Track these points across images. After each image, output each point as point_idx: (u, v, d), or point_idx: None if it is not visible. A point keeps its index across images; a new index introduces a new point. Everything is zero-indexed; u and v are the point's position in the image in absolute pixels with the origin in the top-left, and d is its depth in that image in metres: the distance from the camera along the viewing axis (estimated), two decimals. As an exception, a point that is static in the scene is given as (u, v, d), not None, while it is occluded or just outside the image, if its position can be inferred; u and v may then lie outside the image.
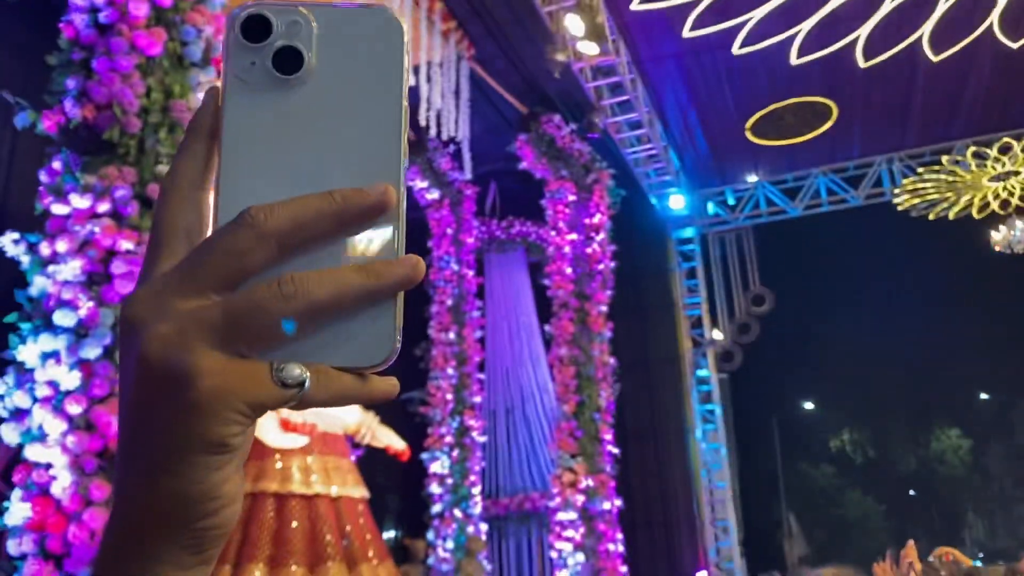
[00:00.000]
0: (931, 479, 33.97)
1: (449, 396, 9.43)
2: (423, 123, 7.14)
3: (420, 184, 9.51)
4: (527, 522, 10.77)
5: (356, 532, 6.71)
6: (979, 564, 13.36)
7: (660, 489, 11.71)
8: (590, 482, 8.66)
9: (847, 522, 31.48)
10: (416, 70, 7.12)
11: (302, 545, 6.39)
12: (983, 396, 35.38)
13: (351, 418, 7.30)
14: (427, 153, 9.30)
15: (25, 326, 2.73)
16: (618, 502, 9.07)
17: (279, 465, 6.51)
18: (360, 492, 7.03)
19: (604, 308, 9.27)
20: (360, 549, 6.69)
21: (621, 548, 9.07)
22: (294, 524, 6.44)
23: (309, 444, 6.53)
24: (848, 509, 31.91)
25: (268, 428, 5.98)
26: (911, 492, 35.00)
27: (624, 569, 9.30)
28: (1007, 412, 34.94)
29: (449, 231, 9.88)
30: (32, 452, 2.62)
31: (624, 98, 8.88)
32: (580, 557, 8.81)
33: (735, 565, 11.78)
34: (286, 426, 5.97)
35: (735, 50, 8.55)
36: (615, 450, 9.09)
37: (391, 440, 7.38)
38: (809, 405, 33.49)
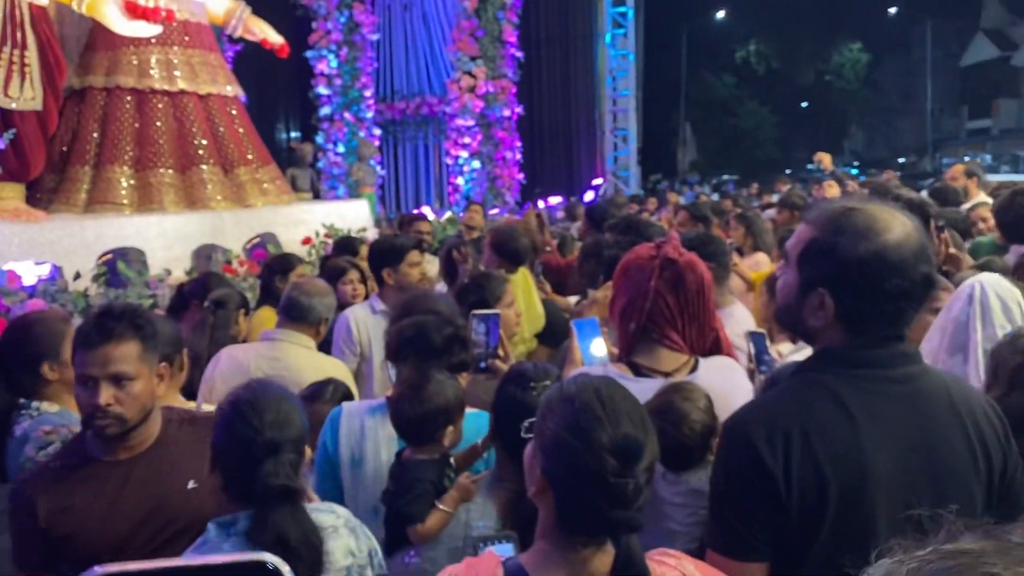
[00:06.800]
0: (825, 92, 34.99)
1: (336, -14, 8.35)
2: None
3: None
4: (423, 127, 10.35)
5: (231, 133, 6.20)
6: (845, 170, 14.32)
7: (563, 96, 11.31)
8: (490, 87, 8.13)
9: (740, 132, 32.62)
10: None
11: (170, 146, 5.88)
12: (891, 10, 35.24)
13: (217, 5, 6.40)
14: None
15: None
16: (518, 109, 8.64)
17: (135, 60, 5.74)
18: (233, 90, 6.40)
19: None
20: (237, 151, 6.23)
21: (519, 156, 8.85)
22: (158, 123, 5.86)
23: (167, 34, 5.71)
24: (743, 119, 32.88)
25: (113, 14, 5.07)
26: (803, 104, 36.22)
27: (520, 176, 9.19)
28: (909, 28, 35.16)
29: None
30: None
31: None
32: (476, 164, 8.57)
33: (631, 174, 11.92)
34: (134, 11, 5.06)
35: None
36: (519, 54, 8.44)
37: (266, 33, 6.60)
38: (720, 13, 32.74)
